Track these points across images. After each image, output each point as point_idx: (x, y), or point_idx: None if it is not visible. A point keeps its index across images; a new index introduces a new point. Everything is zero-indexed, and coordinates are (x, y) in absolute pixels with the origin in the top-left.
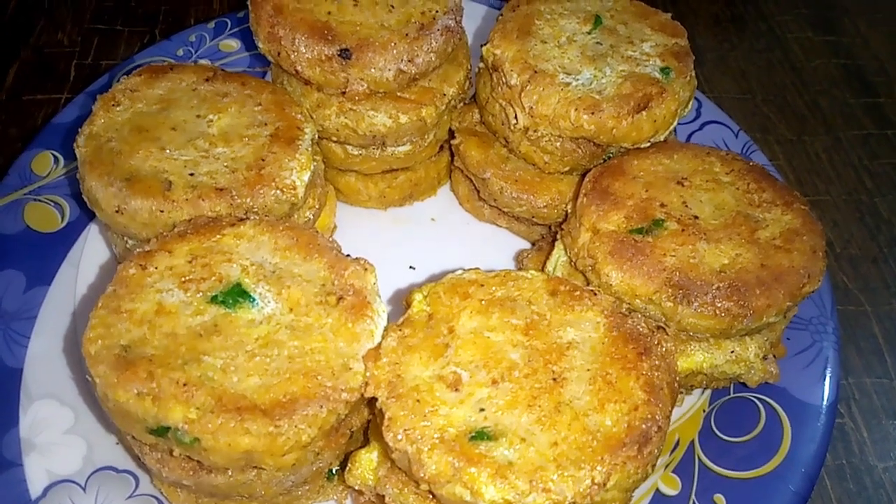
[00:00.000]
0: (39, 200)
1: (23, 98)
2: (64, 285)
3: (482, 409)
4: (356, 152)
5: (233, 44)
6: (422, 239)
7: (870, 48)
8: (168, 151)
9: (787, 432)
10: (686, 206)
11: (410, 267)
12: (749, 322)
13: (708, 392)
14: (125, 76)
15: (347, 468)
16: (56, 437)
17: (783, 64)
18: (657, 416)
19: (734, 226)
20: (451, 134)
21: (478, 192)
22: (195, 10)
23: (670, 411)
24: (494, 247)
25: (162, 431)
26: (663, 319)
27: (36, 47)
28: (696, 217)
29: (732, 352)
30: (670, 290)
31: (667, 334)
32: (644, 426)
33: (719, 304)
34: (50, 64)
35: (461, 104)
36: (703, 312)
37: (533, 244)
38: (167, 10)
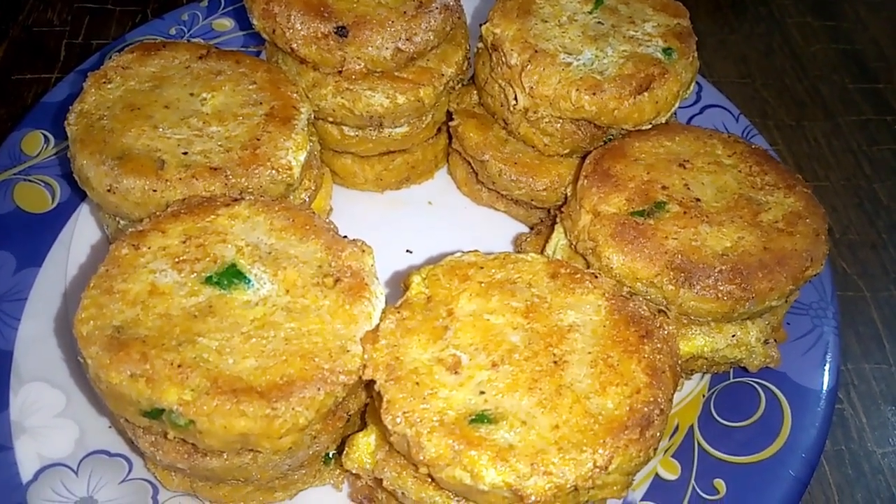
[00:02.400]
0: (30, 180)
1: (12, 77)
2: (55, 266)
3: (482, 392)
4: (353, 133)
5: (226, 23)
6: (419, 222)
7: (869, 33)
8: (161, 130)
9: (787, 417)
10: (688, 188)
11: (407, 250)
12: (751, 305)
13: (707, 377)
14: (117, 54)
15: (345, 452)
16: (47, 421)
17: (783, 48)
18: (659, 399)
19: (736, 208)
20: (449, 116)
21: (476, 174)
22: None
23: (672, 394)
24: (492, 231)
25: (156, 414)
26: (664, 303)
27: (26, 26)
28: (698, 200)
29: (734, 336)
30: (672, 273)
31: (668, 318)
32: (646, 409)
33: (721, 288)
34: (40, 43)
35: (459, 85)
36: (704, 296)
37: (531, 228)
38: None
